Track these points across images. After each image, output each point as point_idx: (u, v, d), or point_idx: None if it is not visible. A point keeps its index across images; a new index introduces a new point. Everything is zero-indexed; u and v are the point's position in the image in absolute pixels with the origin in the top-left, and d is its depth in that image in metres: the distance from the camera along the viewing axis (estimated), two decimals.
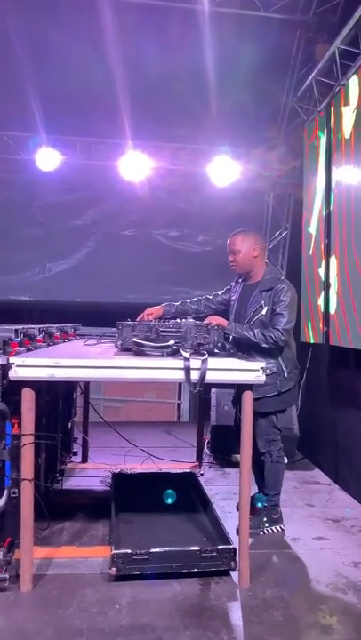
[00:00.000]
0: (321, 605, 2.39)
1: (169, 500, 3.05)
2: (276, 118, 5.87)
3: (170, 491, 3.07)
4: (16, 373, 2.27)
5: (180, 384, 8.20)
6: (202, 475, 4.17)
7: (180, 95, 5.50)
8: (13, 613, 2.24)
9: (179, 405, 8.30)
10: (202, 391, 2.72)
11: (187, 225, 6.54)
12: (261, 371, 2.49)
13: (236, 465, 4.58)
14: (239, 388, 2.70)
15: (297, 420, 4.82)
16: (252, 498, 3.08)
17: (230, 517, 3.20)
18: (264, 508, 3.17)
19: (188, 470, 4.09)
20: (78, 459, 4.30)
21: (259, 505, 3.09)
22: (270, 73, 5.49)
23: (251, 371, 2.50)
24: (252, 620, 2.27)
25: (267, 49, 5.26)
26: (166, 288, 6.27)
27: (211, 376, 2.46)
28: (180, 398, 8.27)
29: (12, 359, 2.28)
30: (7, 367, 2.28)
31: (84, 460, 4.33)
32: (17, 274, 6.24)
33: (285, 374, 3.07)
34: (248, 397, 2.54)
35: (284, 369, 3.07)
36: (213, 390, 4.98)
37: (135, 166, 5.83)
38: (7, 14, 4.89)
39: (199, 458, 4.43)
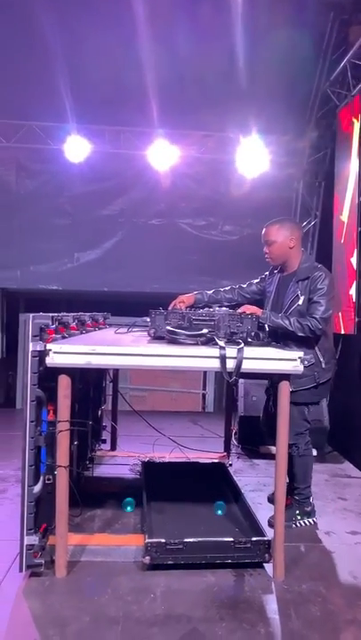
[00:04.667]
0: (359, 601, 2.33)
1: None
2: (308, 103, 5.73)
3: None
4: (53, 360, 2.26)
5: (204, 374, 8.19)
6: (230, 465, 4.13)
7: (210, 81, 5.41)
8: (49, 599, 2.25)
9: (203, 395, 8.28)
10: (236, 381, 2.67)
11: (213, 214, 6.45)
12: (299, 360, 2.43)
13: (264, 456, 4.55)
14: (275, 379, 2.64)
15: (327, 412, 4.74)
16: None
17: (261, 509, 3.19)
18: (296, 501, 3.13)
19: (217, 461, 4.06)
20: (107, 446, 4.31)
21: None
22: (302, 56, 5.35)
23: (288, 360, 2.44)
24: (289, 614, 2.23)
25: (299, 31, 5.12)
26: (192, 278, 6.21)
27: (247, 365, 2.40)
28: (204, 388, 8.25)
29: (49, 345, 2.27)
30: (44, 353, 2.27)
31: (113, 447, 4.34)
32: (46, 263, 6.25)
33: (323, 365, 3.00)
34: (285, 388, 2.49)
35: (322, 359, 3.00)
36: (241, 380, 4.92)
37: (163, 155, 5.78)
38: (37, 4, 4.85)
39: (227, 448, 4.39)
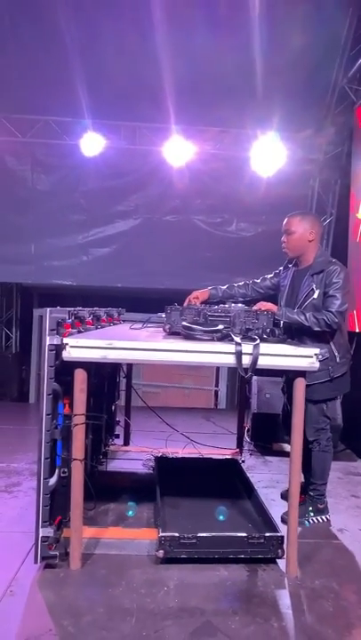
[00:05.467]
0: None
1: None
2: (325, 100, 5.68)
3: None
4: (69, 354, 2.28)
5: (217, 371, 8.20)
6: (243, 462, 4.12)
7: (226, 77, 5.37)
8: (64, 590, 2.27)
9: (216, 392, 8.29)
10: (251, 377, 2.67)
11: (228, 211, 6.43)
12: (315, 357, 2.42)
13: (277, 453, 4.55)
14: (290, 375, 2.64)
15: (341, 410, 4.70)
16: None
17: (274, 505, 3.19)
18: (310, 498, 3.12)
19: (230, 457, 4.06)
20: (120, 441, 4.33)
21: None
22: (320, 52, 5.31)
23: (304, 357, 2.43)
24: (302, 609, 2.24)
25: (317, 27, 5.07)
26: (207, 274, 6.17)
27: (263, 361, 2.40)
28: (217, 385, 8.26)
29: (65, 339, 2.29)
30: (61, 347, 2.29)
31: (126, 442, 4.36)
32: (60, 259, 6.28)
33: (338, 359, 2.99)
34: (300, 385, 2.48)
35: (336, 354, 2.99)
36: (255, 378, 4.91)
37: (178, 151, 5.77)
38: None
39: (240, 445, 4.39)
